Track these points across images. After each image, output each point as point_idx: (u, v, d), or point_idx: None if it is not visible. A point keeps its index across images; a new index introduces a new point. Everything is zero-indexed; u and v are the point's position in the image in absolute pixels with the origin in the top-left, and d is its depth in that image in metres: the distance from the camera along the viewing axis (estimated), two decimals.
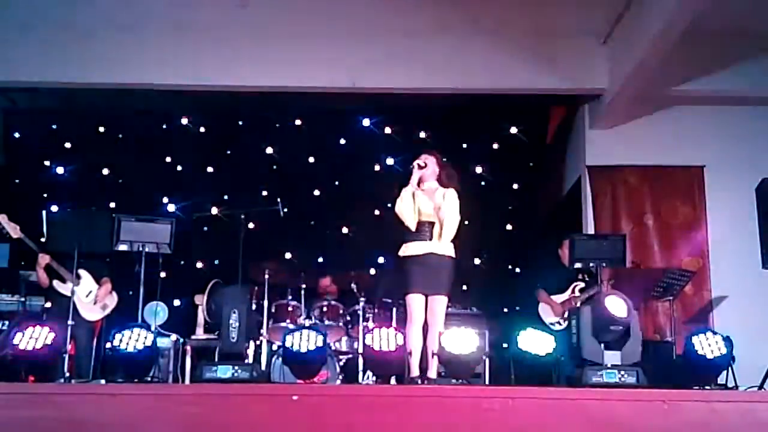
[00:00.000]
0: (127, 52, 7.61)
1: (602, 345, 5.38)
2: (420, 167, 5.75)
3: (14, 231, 6.04)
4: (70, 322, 5.69)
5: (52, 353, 5.23)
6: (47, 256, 6.09)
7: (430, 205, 5.68)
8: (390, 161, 9.25)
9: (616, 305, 5.32)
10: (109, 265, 6.53)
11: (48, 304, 6.50)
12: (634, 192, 8.18)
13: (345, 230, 9.33)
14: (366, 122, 9.40)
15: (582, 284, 6.91)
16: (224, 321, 5.46)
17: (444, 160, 5.91)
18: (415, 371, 5.49)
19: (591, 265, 6.38)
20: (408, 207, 5.63)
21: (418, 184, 5.76)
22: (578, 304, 6.71)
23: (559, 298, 6.96)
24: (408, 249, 5.65)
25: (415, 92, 8.01)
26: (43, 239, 6.15)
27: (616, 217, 8.16)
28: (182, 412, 4.42)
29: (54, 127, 9.19)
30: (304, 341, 5.28)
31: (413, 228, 5.63)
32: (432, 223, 5.65)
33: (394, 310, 7.18)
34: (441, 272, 5.62)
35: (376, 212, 9.00)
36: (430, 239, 5.62)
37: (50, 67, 7.62)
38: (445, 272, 5.63)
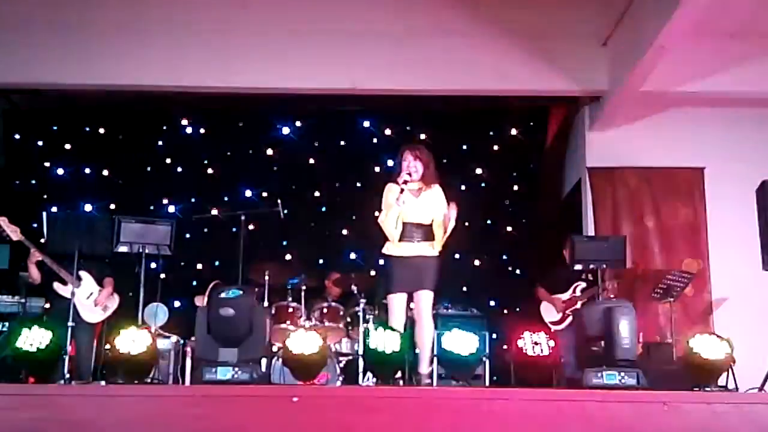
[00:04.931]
0: (127, 54, 7.62)
1: None
2: (406, 182, 5.61)
3: (15, 234, 6.04)
4: (70, 323, 5.69)
5: (52, 354, 5.23)
6: (38, 252, 6.08)
7: (416, 209, 5.63)
8: (390, 162, 9.23)
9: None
10: (110, 266, 6.52)
11: (48, 306, 6.51)
12: (635, 193, 8.18)
13: (345, 231, 9.31)
14: (366, 123, 9.40)
15: (583, 284, 6.92)
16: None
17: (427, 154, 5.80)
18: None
19: (591, 266, 6.39)
20: (392, 224, 5.58)
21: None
22: (579, 305, 6.74)
23: (560, 298, 6.97)
24: (393, 249, 5.63)
25: (415, 94, 8.01)
26: (43, 240, 6.15)
27: (617, 219, 8.16)
28: (182, 413, 4.42)
29: (54, 128, 9.18)
30: (304, 343, 5.27)
31: (395, 242, 5.60)
32: (419, 225, 5.63)
33: None
34: (425, 270, 5.61)
35: (376, 213, 8.98)
36: (418, 241, 5.61)
37: (50, 69, 7.62)
38: (429, 270, 5.62)
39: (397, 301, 5.58)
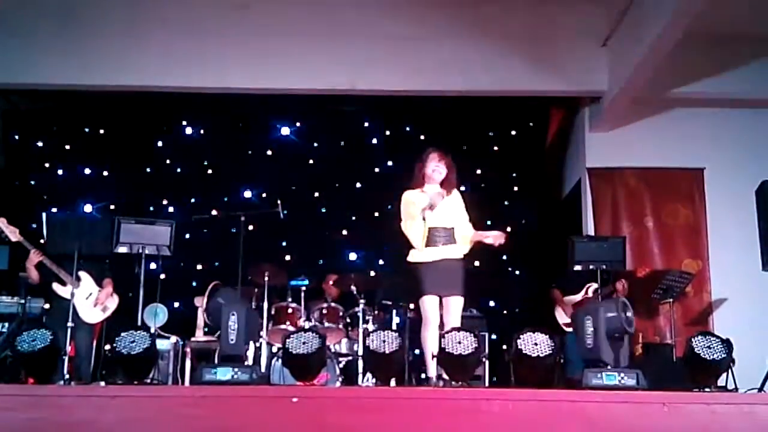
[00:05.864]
0: (127, 54, 7.63)
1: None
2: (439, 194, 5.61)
3: (13, 234, 6.04)
4: (69, 324, 5.69)
5: (51, 355, 5.23)
6: (39, 252, 6.07)
7: (440, 213, 5.62)
8: (389, 163, 9.25)
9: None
10: (110, 266, 6.52)
11: (47, 306, 6.50)
12: (634, 194, 8.19)
13: (345, 232, 9.31)
14: (366, 123, 9.40)
15: (595, 285, 6.91)
16: (223, 323, 5.39)
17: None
18: (432, 371, 5.47)
19: (591, 267, 6.39)
20: (419, 231, 5.57)
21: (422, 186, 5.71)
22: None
23: (573, 300, 6.99)
24: (419, 255, 5.62)
25: (415, 94, 8.01)
26: (42, 241, 6.15)
27: (616, 219, 8.17)
28: (182, 414, 4.41)
29: (54, 129, 9.17)
30: (304, 343, 5.27)
31: (420, 248, 5.59)
32: (443, 229, 5.64)
33: (394, 312, 7.17)
34: (454, 273, 5.62)
35: (376, 214, 9.00)
36: (443, 245, 5.61)
37: (50, 69, 7.62)
38: (458, 273, 5.64)
39: (430, 303, 5.56)
